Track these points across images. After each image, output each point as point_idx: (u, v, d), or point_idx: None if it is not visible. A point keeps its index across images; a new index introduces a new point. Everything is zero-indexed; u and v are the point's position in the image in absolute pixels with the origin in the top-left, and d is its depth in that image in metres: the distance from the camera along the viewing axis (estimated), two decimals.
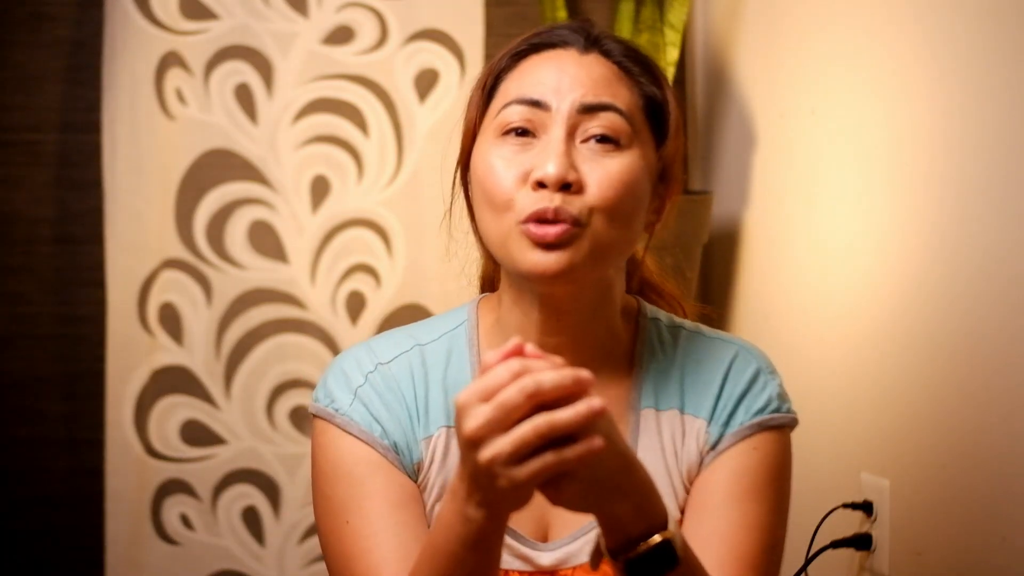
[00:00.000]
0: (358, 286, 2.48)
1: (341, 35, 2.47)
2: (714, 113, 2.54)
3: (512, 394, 1.18)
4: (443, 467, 1.44)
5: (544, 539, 1.45)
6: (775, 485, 1.45)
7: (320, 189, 2.47)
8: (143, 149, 2.42)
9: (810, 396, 2.16)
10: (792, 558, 1.68)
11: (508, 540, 1.43)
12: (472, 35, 2.47)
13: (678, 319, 1.53)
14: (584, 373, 1.19)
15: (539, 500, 1.44)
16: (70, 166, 2.48)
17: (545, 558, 1.44)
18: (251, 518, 2.48)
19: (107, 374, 2.43)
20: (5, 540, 2.49)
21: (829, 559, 2.03)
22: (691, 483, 1.46)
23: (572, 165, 1.38)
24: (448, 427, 1.45)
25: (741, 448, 1.44)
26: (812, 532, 2.02)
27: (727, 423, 1.45)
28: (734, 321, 2.44)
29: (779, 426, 1.46)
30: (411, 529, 1.41)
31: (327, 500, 1.44)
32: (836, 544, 2.01)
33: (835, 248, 2.12)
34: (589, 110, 1.40)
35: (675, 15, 2.36)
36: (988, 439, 1.77)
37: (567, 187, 1.37)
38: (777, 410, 1.47)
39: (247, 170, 2.45)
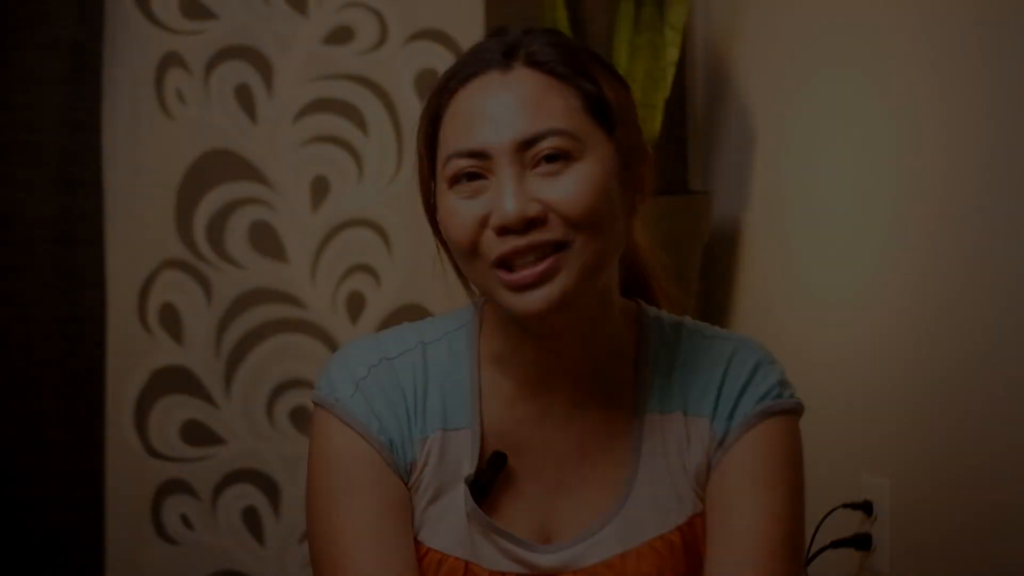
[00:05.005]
0: (358, 286, 2.48)
1: (341, 35, 2.47)
2: (714, 113, 2.54)
3: None
4: (439, 469, 1.44)
5: (547, 541, 1.43)
6: (786, 472, 1.41)
7: (320, 189, 2.46)
8: (143, 149, 2.42)
9: (810, 396, 2.15)
10: None
11: (505, 544, 1.42)
12: (472, 35, 2.46)
13: (677, 317, 1.50)
14: None
15: (543, 502, 1.44)
16: (70, 166, 2.47)
17: (545, 560, 1.42)
18: (251, 518, 2.47)
19: (107, 374, 2.43)
20: (5, 540, 2.49)
21: (829, 559, 2.03)
22: (701, 486, 1.43)
23: (531, 198, 1.34)
24: (444, 430, 1.44)
25: (748, 440, 1.41)
26: (812, 532, 2.02)
27: (731, 417, 1.42)
28: (734, 321, 2.44)
29: (783, 411, 1.43)
30: (396, 536, 1.41)
31: (319, 489, 1.44)
32: (836, 544, 2.01)
33: (835, 248, 2.12)
34: (529, 144, 1.35)
35: (675, 15, 2.36)
36: (988, 439, 1.77)
37: (532, 223, 1.34)
38: (779, 396, 1.43)
39: (247, 170, 2.45)
